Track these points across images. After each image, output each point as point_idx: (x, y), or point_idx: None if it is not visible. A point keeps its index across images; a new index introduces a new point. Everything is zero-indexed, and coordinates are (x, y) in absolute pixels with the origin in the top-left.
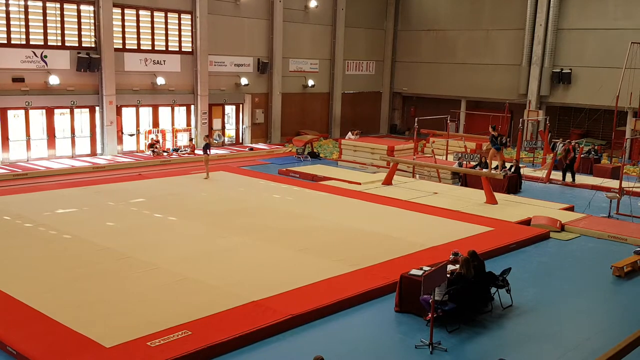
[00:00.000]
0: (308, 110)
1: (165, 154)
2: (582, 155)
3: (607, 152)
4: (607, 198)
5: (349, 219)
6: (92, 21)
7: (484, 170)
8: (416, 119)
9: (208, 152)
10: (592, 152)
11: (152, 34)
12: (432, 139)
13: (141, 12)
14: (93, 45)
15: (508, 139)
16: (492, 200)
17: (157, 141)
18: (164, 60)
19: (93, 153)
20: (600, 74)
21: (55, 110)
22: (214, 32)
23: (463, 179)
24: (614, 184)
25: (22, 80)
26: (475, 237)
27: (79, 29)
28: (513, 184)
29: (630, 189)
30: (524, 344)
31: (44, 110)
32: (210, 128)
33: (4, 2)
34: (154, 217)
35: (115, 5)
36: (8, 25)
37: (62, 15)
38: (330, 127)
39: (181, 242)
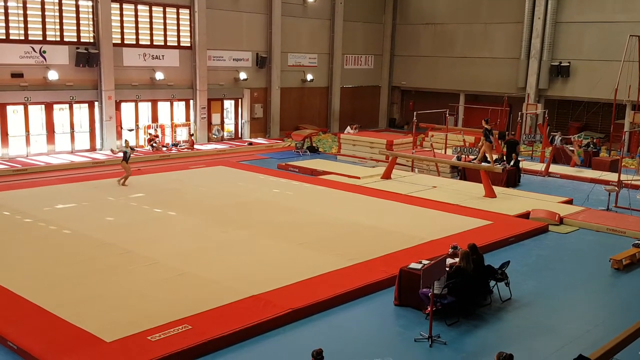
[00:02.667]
0: (307, 104)
1: (164, 148)
2: (581, 148)
3: (605, 145)
4: (605, 191)
5: (348, 213)
6: (91, 16)
7: (483, 163)
8: (415, 112)
9: (126, 159)
10: (591, 145)
11: (151, 29)
12: (430, 133)
13: (139, 7)
14: (92, 41)
15: (507, 132)
16: (491, 194)
17: (156, 136)
18: (163, 55)
19: (92, 148)
20: (599, 67)
21: (55, 106)
22: (213, 27)
23: (462, 173)
24: (612, 176)
25: (21, 75)
26: (474, 230)
27: (78, 24)
28: (512, 178)
29: (629, 181)
30: (523, 336)
31: (43, 106)
32: (209, 123)
33: None
34: (154, 212)
35: (113, 0)
36: (7, 21)
37: (60, 11)
38: (329, 122)
39: (181, 236)
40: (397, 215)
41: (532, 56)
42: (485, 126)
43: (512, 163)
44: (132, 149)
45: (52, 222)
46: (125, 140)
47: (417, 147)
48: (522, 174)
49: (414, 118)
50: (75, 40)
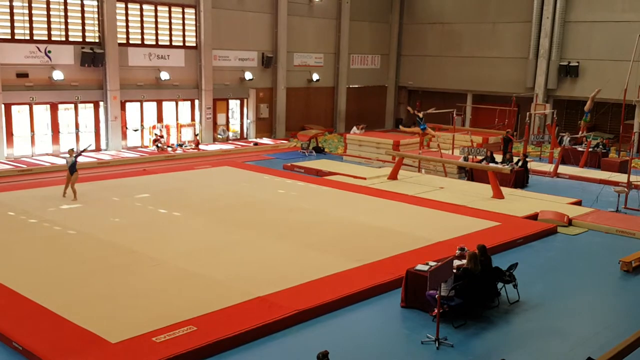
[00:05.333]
0: (313, 104)
1: (169, 149)
2: (590, 149)
3: (615, 145)
4: (615, 192)
5: (354, 214)
6: (96, 16)
7: (491, 164)
8: (422, 113)
9: (76, 170)
10: (600, 146)
11: (156, 28)
12: (438, 133)
13: (145, 6)
14: (97, 41)
15: (513, 132)
16: (498, 195)
17: (162, 136)
18: (168, 55)
19: (97, 148)
20: (608, 67)
21: (60, 106)
22: (218, 27)
23: (469, 174)
24: (622, 178)
25: (26, 75)
26: (481, 232)
27: (83, 24)
28: (520, 179)
29: (639, 182)
30: (531, 339)
31: (48, 106)
32: (215, 123)
33: None
34: (159, 213)
35: (118, 0)
36: (12, 21)
37: (65, 10)
38: (335, 122)
39: (186, 237)
40: (403, 216)
41: (541, 56)
42: (417, 114)
43: (520, 164)
44: (77, 156)
45: (56, 222)
46: (70, 150)
47: (423, 148)
48: (530, 175)
49: (423, 120)
50: (80, 40)
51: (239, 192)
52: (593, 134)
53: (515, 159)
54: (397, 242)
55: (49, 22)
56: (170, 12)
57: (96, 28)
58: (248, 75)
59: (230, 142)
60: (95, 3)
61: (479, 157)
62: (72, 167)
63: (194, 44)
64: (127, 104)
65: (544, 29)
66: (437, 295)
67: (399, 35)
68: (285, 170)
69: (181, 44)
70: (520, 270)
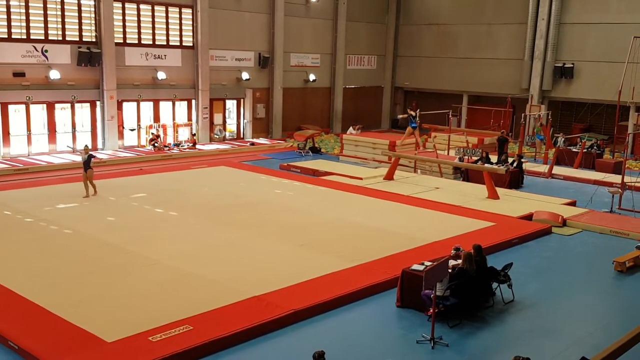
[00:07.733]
0: (309, 105)
1: (166, 148)
2: (584, 150)
3: (609, 147)
4: (609, 193)
5: (350, 214)
6: (93, 15)
7: (486, 165)
8: (417, 113)
9: (91, 167)
10: (595, 147)
11: (153, 28)
12: (433, 134)
13: (142, 6)
14: (94, 40)
15: (508, 133)
16: (493, 195)
17: (158, 136)
18: (165, 55)
19: (94, 148)
20: (603, 69)
21: (56, 105)
22: (215, 27)
23: (465, 174)
24: (616, 178)
25: (22, 75)
26: (477, 232)
27: (80, 24)
28: (515, 179)
29: (633, 183)
30: (526, 338)
31: (44, 105)
32: (211, 123)
33: None
34: (155, 212)
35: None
36: (9, 20)
37: (62, 10)
38: (331, 122)
39: (182, 237)
40: (399, 216)
41: (536, 57)
42: (411, 112)
43: (515, 164)
44: (91, 156)
45: (53, 221)
46: (85, 146)
47: (419, 148)
48: (525, 176)
49: (417, 119)
50: (77, 39)
51: (236, 192)
52: (588, 135)
53: (510, 160)
54: (393, 242)
55: (45, 22)
56: (167, 11)
57: (93, 27)
58: (245, 76)
59: (226, 142)
60: (92, 2)
61: (475, 158)
62: (87, 164)
63: (191, 44)
64: (124, 104)
65: (539, 31)
66: (432, 295)
67: (395, 36)
68: (282, 170)
69: (178, 43)
70: (515, 270)
